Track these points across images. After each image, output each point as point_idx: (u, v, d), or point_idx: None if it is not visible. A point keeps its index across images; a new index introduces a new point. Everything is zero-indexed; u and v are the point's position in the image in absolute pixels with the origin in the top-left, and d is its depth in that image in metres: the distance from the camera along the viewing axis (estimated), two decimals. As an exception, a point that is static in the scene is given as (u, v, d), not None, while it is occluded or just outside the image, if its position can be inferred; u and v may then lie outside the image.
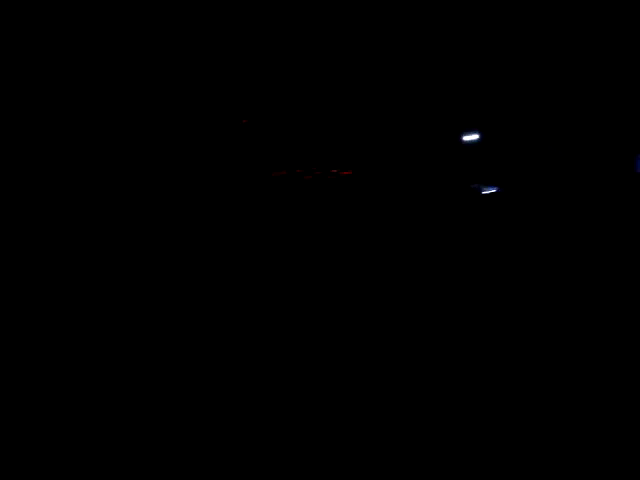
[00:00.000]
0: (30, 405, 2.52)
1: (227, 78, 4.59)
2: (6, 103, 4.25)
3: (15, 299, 3.85)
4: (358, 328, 3.40)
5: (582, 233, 4.38)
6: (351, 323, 3.49)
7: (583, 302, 3.68)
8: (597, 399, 2.59)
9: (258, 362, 3.12)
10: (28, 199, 4.40)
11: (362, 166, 4.96)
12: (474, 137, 4.74)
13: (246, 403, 2.67)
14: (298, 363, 3.14)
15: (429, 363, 3.07)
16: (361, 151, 4.97)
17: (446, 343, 3.25)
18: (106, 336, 3.58)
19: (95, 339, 3.53)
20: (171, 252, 4.25)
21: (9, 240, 4.14)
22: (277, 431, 2.40)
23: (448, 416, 2.54)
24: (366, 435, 2.40)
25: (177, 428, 2.39)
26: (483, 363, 2.99)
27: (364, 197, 4.82)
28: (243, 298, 3.87)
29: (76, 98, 4.31)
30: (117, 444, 2.21)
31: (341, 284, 4.08)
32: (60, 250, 4.24)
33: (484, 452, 2.22)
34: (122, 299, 4.03)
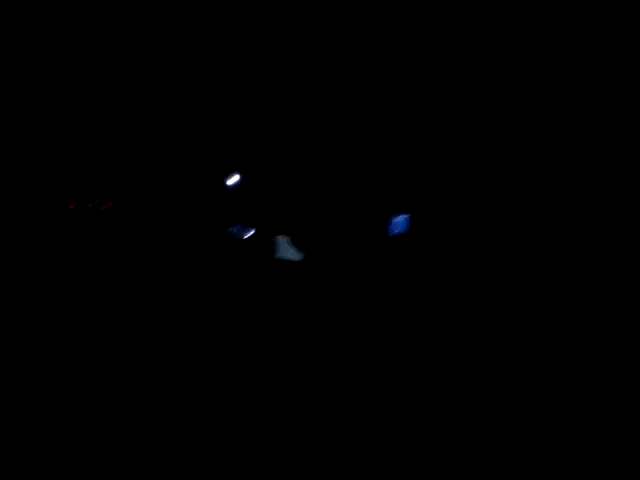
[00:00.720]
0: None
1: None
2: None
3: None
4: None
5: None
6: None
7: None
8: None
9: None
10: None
11: (123, 199, 4.85)
12: (235, 179, 4.78)
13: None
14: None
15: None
16: (122, 185, 4.88)
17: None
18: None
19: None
20: None
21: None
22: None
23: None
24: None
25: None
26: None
27: (125, 230, 4.76)
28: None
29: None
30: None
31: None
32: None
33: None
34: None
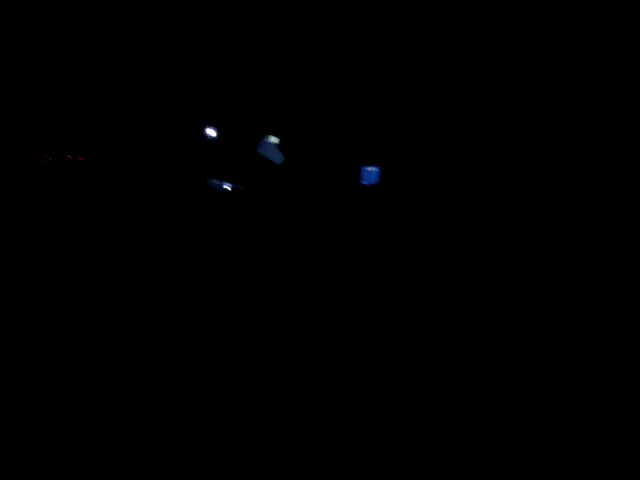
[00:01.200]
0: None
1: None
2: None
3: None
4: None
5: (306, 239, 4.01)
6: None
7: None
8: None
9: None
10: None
11: (96, 153, 4.67)
12: (213, 132, 4.66)
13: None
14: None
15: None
16: (96, 138, 4.72)
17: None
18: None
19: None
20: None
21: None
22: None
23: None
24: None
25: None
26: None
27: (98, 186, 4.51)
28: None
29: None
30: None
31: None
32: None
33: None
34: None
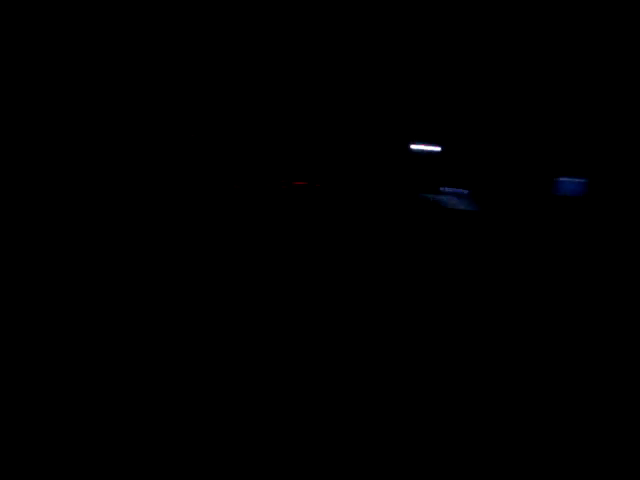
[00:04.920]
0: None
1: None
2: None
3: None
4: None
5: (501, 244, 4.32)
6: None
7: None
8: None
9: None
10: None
11: (316, 177, 5.05)
12: (427, 148, 4.87)
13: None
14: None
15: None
16: (315, 163, 5.05)
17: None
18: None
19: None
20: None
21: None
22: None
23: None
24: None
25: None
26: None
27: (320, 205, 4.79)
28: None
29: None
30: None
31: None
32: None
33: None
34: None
